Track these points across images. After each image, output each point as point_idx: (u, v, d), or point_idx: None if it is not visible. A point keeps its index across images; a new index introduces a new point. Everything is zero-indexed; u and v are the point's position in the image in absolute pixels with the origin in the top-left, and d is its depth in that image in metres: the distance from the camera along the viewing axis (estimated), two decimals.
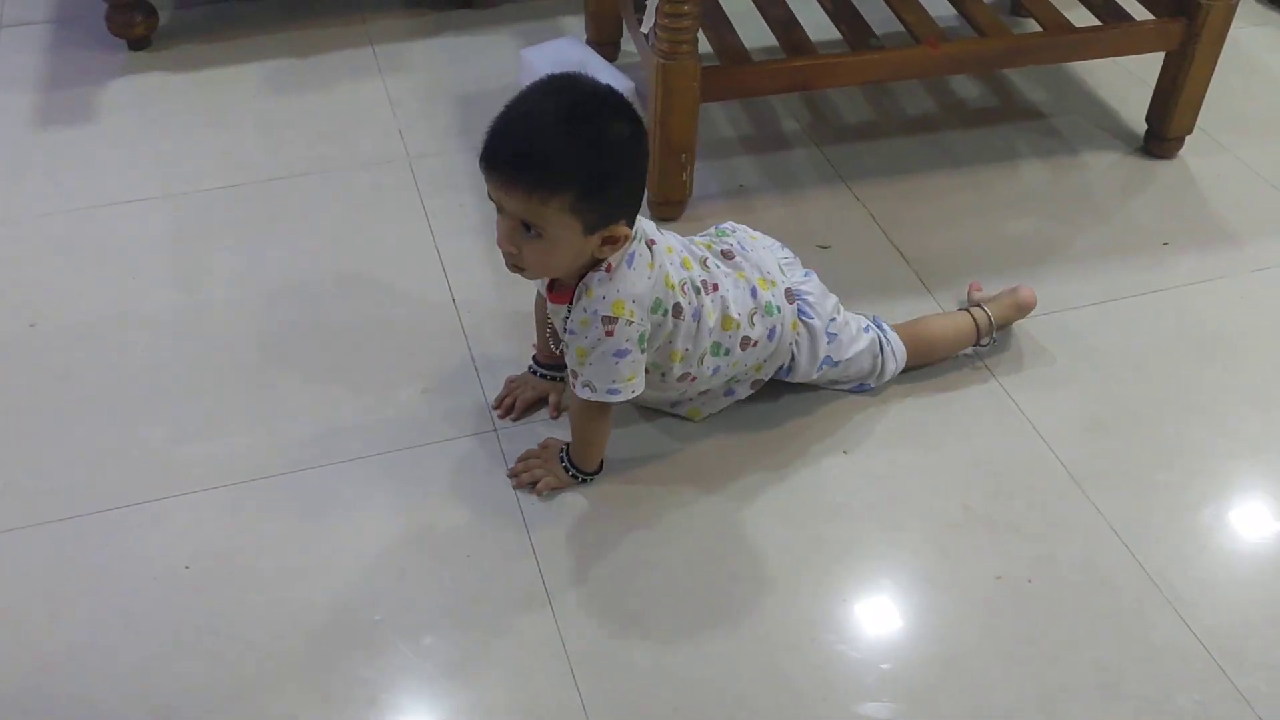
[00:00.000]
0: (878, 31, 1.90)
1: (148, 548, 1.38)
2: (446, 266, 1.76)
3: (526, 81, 2.06)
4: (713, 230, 1.53)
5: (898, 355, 1.55)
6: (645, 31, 1.65)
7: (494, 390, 1.57)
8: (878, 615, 1.34)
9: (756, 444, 1.51)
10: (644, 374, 1.36)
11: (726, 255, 1.45)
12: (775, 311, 1.43)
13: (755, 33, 1.94)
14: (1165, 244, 1.85)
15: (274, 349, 1.63)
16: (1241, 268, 1.80)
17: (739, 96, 2.01)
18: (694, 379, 1.42)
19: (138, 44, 2.22)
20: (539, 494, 1.43)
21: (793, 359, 1.48)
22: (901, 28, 1.92)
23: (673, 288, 1.33)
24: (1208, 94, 1.94)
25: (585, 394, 1.35)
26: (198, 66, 2.19)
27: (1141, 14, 1.93)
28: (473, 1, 2.35)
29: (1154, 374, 1.63)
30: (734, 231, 1.52)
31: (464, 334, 1.65)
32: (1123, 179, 1.99)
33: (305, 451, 1.49)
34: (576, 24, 2.29)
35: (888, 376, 1.56)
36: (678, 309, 1.34)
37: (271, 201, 1.89)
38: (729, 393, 1.51)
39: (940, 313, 1.67)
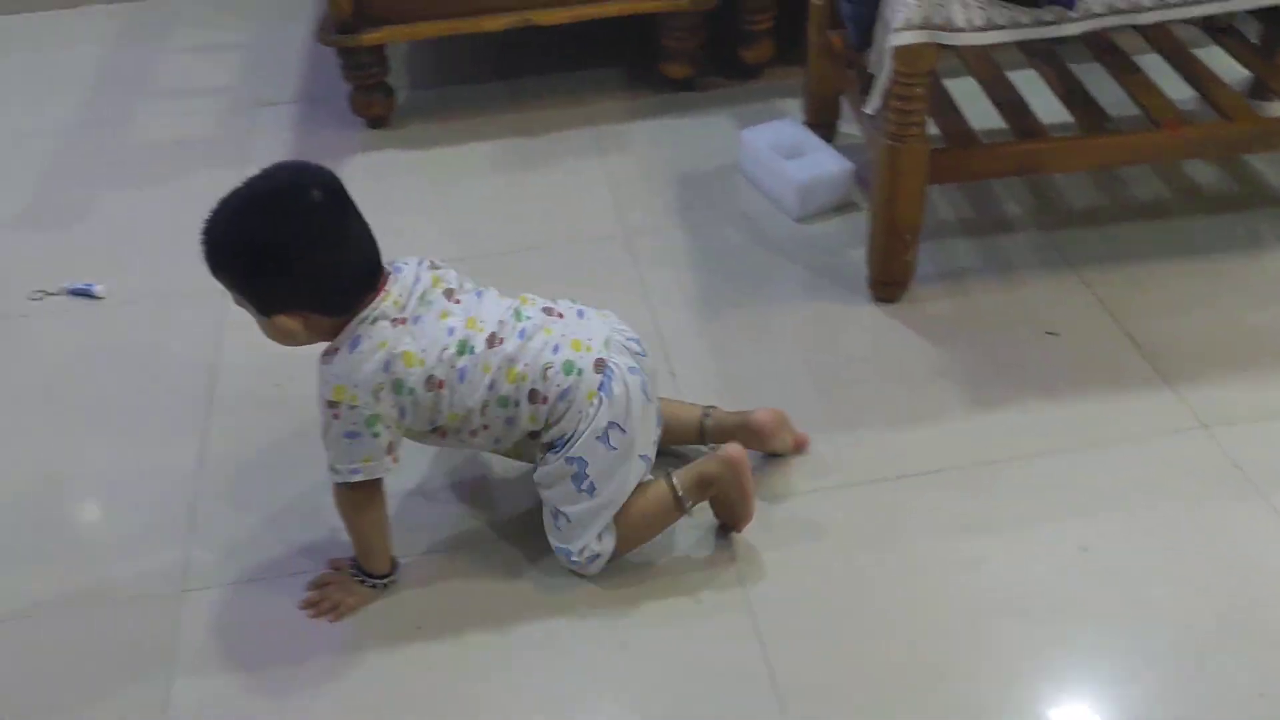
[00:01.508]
0: (1110, 114, 1.85)
1: (376, 606, 1.43)
2: (666, 341, 1.78)
3: (746, 162, 2.13)
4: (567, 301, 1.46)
5: (604, 537, 1.41)
6: (871, 112, 1.65)
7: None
8: None
9: (982, 533, 1.46)
10: (394, 456, 1.35)
11: (548, 311, 1.41)
12: (573, 372, 1.36)
13: (981, 114, 1.91)
14: None
15: None
16: None
17: (966, 179, 1.98)
18: (487, 427, 1.38)
19: (376, 123, 2.35)
20: (338, 619, 1.40)
21: (574, 432, 1.37)
22: (1135, 111, 1.86)
23: (417, 364, 1.31)
24: None
25: (333, 478, 1.35)
26: (429, 145, 2.30)
27: None
28: (693, 84, 2.40)
29: None
30: (589, 308, 1.46)
31: None
32: None
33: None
34: (795, 106, 2.31)
35: (590, 554, 1.40)
36: (431, 382, 1.33)
37: (496, 274, 1.92)
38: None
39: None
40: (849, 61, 1.93)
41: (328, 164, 2.20)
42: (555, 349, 1.36)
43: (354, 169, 2.24)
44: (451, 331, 1.34)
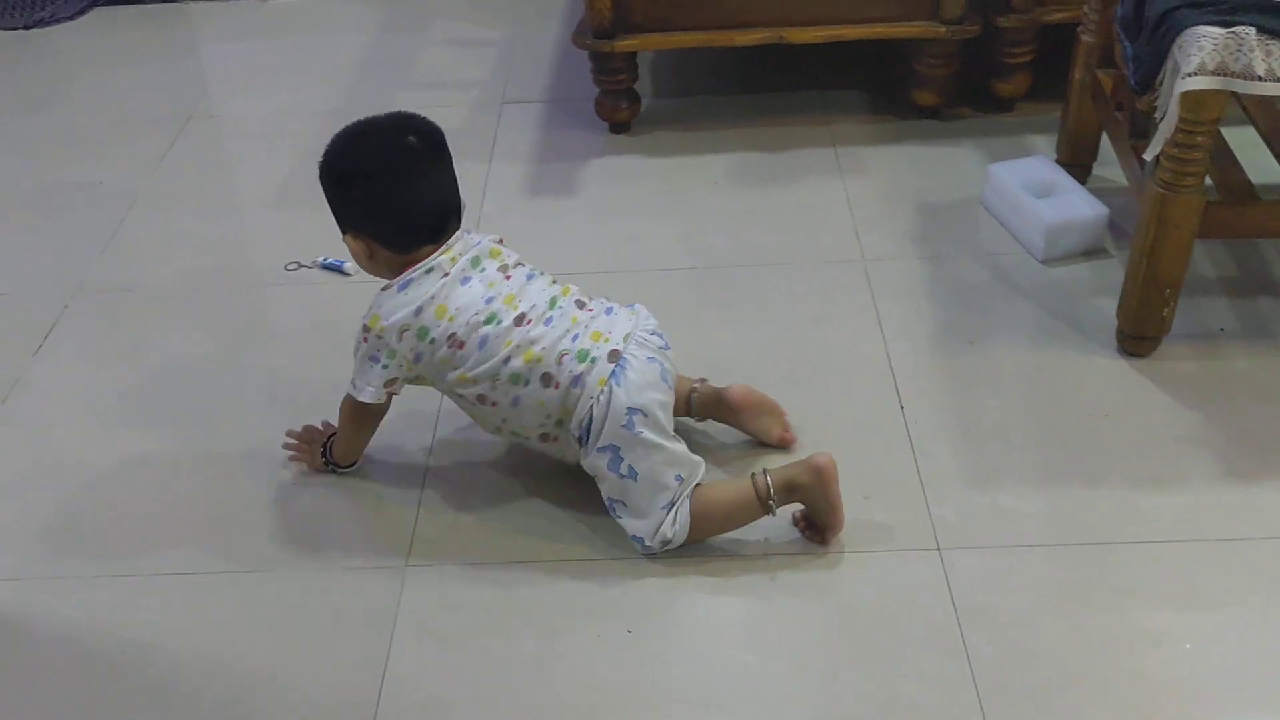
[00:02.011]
0: None
1: (589, 604, 1.44)
2: (896, 372, 1.74)
3: (992, 197, 2.07)
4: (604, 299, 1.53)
5: (679, 522, 1.44)
6: (1149, 159, 1.57)
7: (939, 505, 1.52)
8: None
9: (1217, 610, 1.37)
10: (392, 390, 1.50)
11: (580, 305, 1.49)
12: (586, 360, 1.42)
13: (1261, 168, 1.80)
14: None
15: (715, 426, 1.67)
16: None
17: (1240, 236, 1.87)
18: (495, 404, 1.47)
19: (619, 128, 2.39)
20: (296, 462, 1.63)
21: (590, 418, 1.43)
22: None
23: (446, 318, 1.43)
24: None
25: (350, 388, 1.51)
26: (669, 153, 2.32)
27: None
28: (939, 113, 2.35)
29: None
30: (624, 307, 1.53)
31: (910, 444, 1.62)
32: None
33: (744, 534, 1.51)
34: (1046, 143, 2.23)
35: (662, 539, 1.45)
36: (453, 339, 1.44)
37: (726, 287, 1.96)
38: (544, 437, 1.50)
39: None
40: (1118, 103, 1.85)
41: (569, 165, 2.34)
42: (574, 338, 1.45)
43: (594, 172, 2.28)
44: (489, 301, 1.45)
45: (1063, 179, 2.02)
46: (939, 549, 1.47)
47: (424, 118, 1.49)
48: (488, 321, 1.44)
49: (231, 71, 2.78)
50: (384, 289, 1.47)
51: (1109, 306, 1.79)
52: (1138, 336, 1.72)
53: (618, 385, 1.42)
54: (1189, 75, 1.44)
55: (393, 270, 1.48)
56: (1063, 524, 1.50)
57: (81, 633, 1.44)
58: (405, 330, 1.44)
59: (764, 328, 1.86)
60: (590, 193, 2.23)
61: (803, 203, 2.15)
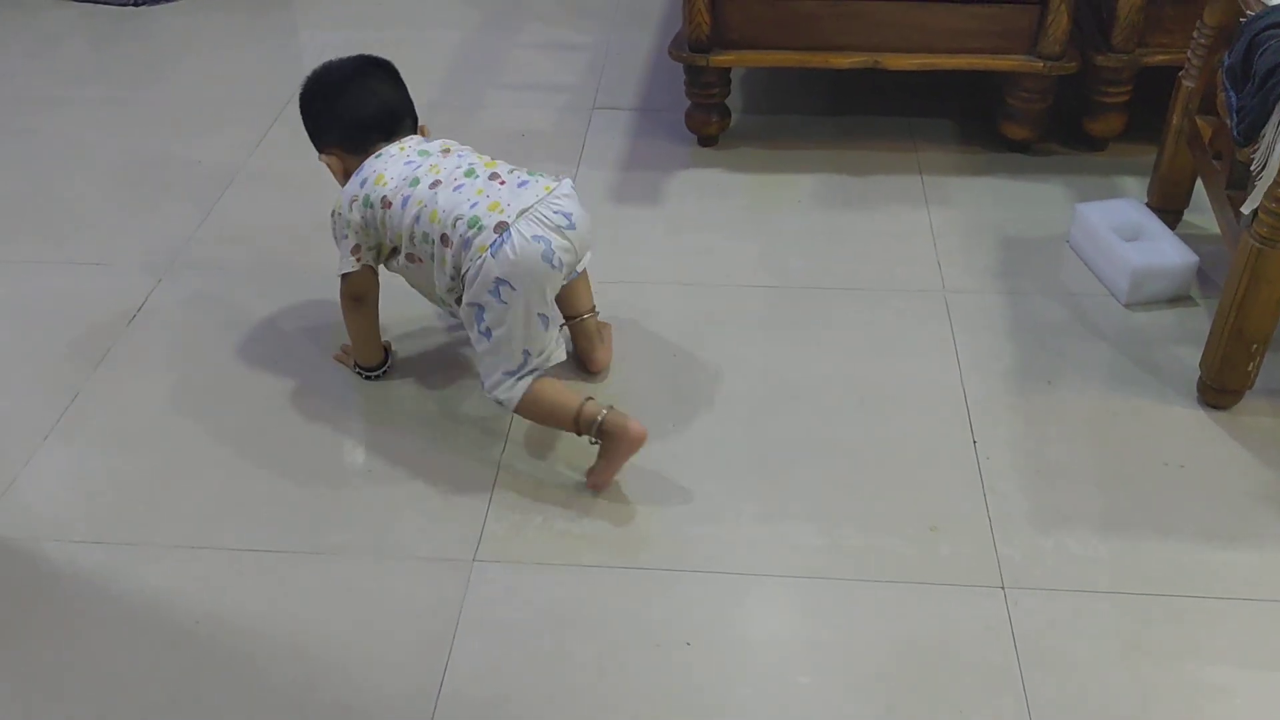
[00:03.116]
0: None
1: (651, 613, 1.46)
2: (971, 407, 1.74)
3: (1078, 237, 2.06)
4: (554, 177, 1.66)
5: (513, 392, 1.60)
6: (1246, 212, 1.56)
7: (1006, 545, 1.52)
8: None
9: None
10: (359, 256, 1.68)
11: (494, 177, 1.63)
12: (476, 226, 1.56)
13: None
14: None
15: (784, 448, 1.68)
16: None
17: None
18: (420, 262, 1.66)
19: (706, 141, 2.40)
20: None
21: (465, 278, 1.59)
22: None
23: (382, 184, 1.64)
24: None
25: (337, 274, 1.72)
26: (754, 169, 2.34)
27: None
28: (1029, 148, 2.34)
29: None
30: (547, 178, 1.64)
31: (981, 480, 1.62)
32: None
33: (808, 559, 1.52)
34: (1136, 185, 2.21)
35: (495, 398, 1.62)
36: (385, 201, 1.63)
37: (801, 308, 1.97)
38: (478, 317, 1.61)
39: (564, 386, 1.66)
40: (1217, 152, 1.83)
41: (654, 175, 2.36)
42: (473, 205, 1.58)
43: (679, 183, 2.30)
44: (415, 167, 1.65)
45: (1152, 223, 2.00)
46: (1004, 588, 1.47)
47: (380, 57, 1.77)
48: (411, 185, 1.63)
49: (329, 58, 2.83)
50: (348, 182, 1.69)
51: (1191, 356, 1.78)
52: (1220, 389, 1.70)
53: (493, 256, 1.55)
54: None
55: (339, 173, 1.73)
56: (1129, 572, 1.49)
57: (159, 600, 1.49)
58: (354, 200, 1.66)
59: (838, 353, 1.86)
60: (673, 204, 2.25)
61: (885, 229, 2.15)
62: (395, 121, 1.73)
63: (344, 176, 1.71)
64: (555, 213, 1.60)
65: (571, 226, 1.61)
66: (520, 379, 1.61)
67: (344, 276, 1.71)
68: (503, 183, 1.61)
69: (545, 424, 1.68)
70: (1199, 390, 1.73)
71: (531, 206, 1.58)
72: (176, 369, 1.87)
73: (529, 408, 1.63)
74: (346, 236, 1.68)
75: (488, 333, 1.59)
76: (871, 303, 1.97)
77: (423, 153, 1.68)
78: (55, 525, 1.60)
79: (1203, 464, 1.64)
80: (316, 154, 1.75)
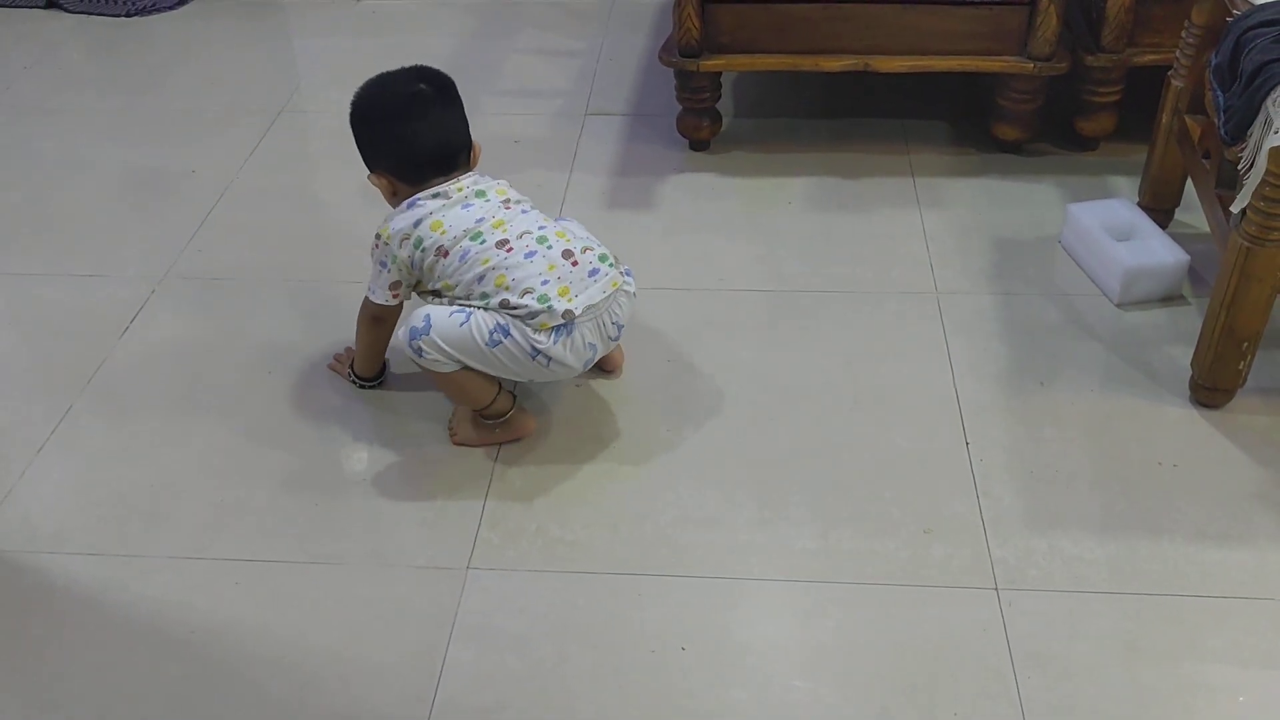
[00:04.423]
0: None
1: (646, 618, 1.46)
2: (963, 408, 1.74)
3: (1070, 237, 2.06)
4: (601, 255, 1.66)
5: (428, 350, 1.59)
6: (1235, 211, 1.56)
7: (1000, 546, 1.53)
8: None
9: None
10: (396, 291, 1.67)
11: (567, 254, 1.61)
12: (544, 304, 1.57)
13: None
14: None
15: (778, 452, 1.69)
16: None
17: None
18: (457, 301, 1.62)
19: (698, 145, 2.41)
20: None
21: (520, 315, 1.58)
22: None
23: (439, 231, 1.61)
24: None
25: (367, 291, 1.70)
26: (747, 173, 2.34)
27: None
28: (1021, 148, 2.34)
29: None
30: (613, 270, 1.65)
31: (974, 482, 1.62)
32: None
33: (803, 562, 1.52)
34: (1128, 185, 2.21)
35: (417, 354, 1.60)
36: (440, 250, 1.61)
37: (796, 311, 1.97)
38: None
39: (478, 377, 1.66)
40: (1206, 150, 1.84)
41: (647, 180, 2.36)
42: (544, 282, 1.58)
43: (672, 188, 2.30)
44: (479, 221, 1.62)
45: (1143, 223, 2.00)
46: (997, 589, 1.47)
47: (436, 69, 1.69)
48: (472, 238, 1.61)
49: (323, 68, 2.84)
50: (398, 208, 1.66)
51: (1183, 355, 1.78)
52: (1211, 388, 1.70)
53: (552, 341, 1.58)
54: None
55: (387, 194, 1.69)
56: (1124, 573, 1.49)
57: (154, 612, 1.49)
58: (405, 238, 1.63)
59: (832, 354, 1.86)
60: (667, 208, 2.25)
61: (878, 231, 2.15)
62: (453, 156, 1.68)
63: (393, 198, 1.68)
64: (613, 323, 1.65)
65: (616, 339, 1.68)
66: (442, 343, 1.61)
67: (373, 304, 1.70)
68: (575, 263, 1.61)
69: (447, 393, 1.74)
70: (1191, 389, 1.74)
71: (598, 305, 1.61)
72: (171, 380, 1.87)
73: (446, 380, 1.65)
74: (387, 268, 1.66)
75: (495, 343, 1.58)
76: (865, 305, 1.97)
77: (480, 194, 1.65)
78: (51, 537, 1.60)
79: (1195, 463, 1.65)
80: (366, 173, 1.70)
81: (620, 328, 1.67)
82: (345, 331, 1.97)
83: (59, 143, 2.54)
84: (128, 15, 3.08)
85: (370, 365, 1.81)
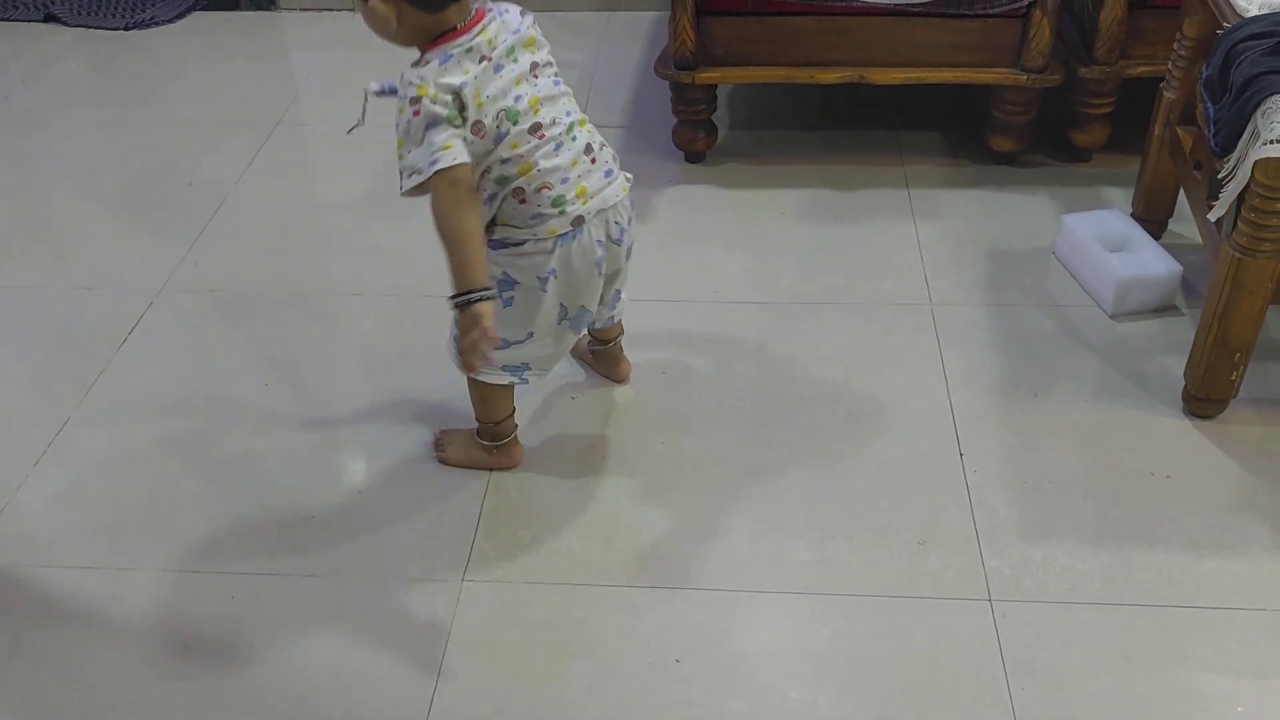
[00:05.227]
0: None
1: (641, 629, 1.47)
2: (957, 419, 1.75)
3: (1064, 248, 2.07)
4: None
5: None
6: (1212, 219, 1.57)
7: (994, 557, 1.53)
8: None
9: (1275, 680, 1.37)
10: (462, 142, 1.40)
11: (588, 149, 1.51)
12: (559, 207, 1.47)
13: None
14: None
15: (773, 463, 1.69)
16: None
17: None
18: (481, 189, 1.47)
19: (694, 157, 2.42)
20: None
21: (522, 245, 1.50)
22: None
23: (478, 105, 1.41)
24: None
25: (413, 181, 1.41)
26: (742, 185, 2.35)
27: None
28: (1015, 160, 2.35)
29: None
30: (621, 176, 1.56)
31: (968, 492, 1.63)
32: None
33: (797, 574, 1.53)
34: (1121, 196, 2.22)
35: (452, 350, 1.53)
36: (477, 126, 1.42)
37: (791, 322, 1.98)
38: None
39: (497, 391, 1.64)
40: (1197, 162, 1.85)
41: (643, 191, 2.37)
42: (564, 180, 1.48)
43: (668, 199, 2.31)
44: (517, 99, 1.44)
45: (1137, 234, 2.01)
46: (990, 600, 1.48)
47: None
48: (509, 119, 1.44)
49: (320, 80, 2.85)
50: (422, 64, 1.43)
51: (1176, 365, 1.79)
52: (1204, 398, 1.71)
53: (558, 246, 1.49)
54: (1270, 142, 1.44)
55: (416, 35, 1.44)
56: (1117, 583, 1.50)
57: (150, 625, 1.50)
58: (454, 94, 1.41)
59: (826, 366, 1.87)
60: (662, 220, 2.26)
61: (872, 242, 2.16)
62: None
63: (396, 28, 1.43)
64: (615, 223, 1.55)
65: (620, 241, 1.57)
66: (509, 372, 1.59)
67: (440, 172, 1.39)
68: (594, 160, 1.51)
69: (475, 398, 1.67)
70: (1184, 400, 1.75)
71: (608, 210, 1.53)
72: (167, 392, 1.87)
73: (483, 392, 1.63)
74: (453, 123, 1.40)
75: (509, 302, 1.53)
76: (860, 316, 1.98)
77: (510, 54, 1.45)
78: (48, 549, 1.61)
79: (1189, 473, 1.65)
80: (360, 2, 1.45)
81: (624, 230, 1.57)
82: (343, 342, 1.98)
83: (57, 154, 2.55)
84: (126, 28, 3.09)
85: (482, 266, 1.45)
